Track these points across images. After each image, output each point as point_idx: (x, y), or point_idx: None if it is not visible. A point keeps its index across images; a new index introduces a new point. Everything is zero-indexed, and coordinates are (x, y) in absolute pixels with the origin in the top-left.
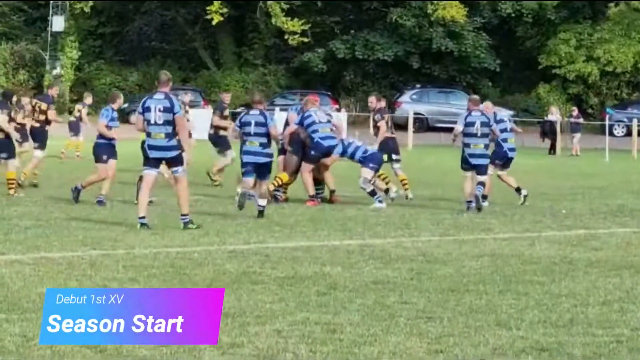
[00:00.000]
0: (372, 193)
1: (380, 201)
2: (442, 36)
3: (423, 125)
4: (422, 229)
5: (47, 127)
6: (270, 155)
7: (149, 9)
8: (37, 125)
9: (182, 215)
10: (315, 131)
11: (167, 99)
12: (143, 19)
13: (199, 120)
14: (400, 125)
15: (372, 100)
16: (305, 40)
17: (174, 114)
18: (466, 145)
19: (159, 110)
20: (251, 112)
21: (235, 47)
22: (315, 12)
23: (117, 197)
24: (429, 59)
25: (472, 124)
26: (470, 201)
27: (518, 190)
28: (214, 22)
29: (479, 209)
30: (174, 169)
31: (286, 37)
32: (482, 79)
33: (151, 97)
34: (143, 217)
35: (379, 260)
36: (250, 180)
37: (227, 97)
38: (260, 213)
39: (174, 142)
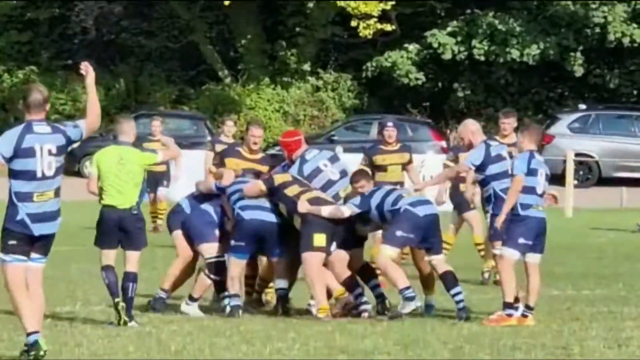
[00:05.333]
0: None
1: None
2: (625, 20)
3: (592, 174)
4: (592, 355)
5: None
6: None
7: None
8: None
9: None
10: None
11: None
12: None
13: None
14: (552, 174)
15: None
16: (388, 29)
17: None
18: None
19: None
20: None
21: (264, 41)
22: None
23: None
24: (601, 59)
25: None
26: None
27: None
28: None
29: None
30: None
31: (354, 24)
32: None
33: None
34: None
35: None
36: None
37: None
38: None
39: None
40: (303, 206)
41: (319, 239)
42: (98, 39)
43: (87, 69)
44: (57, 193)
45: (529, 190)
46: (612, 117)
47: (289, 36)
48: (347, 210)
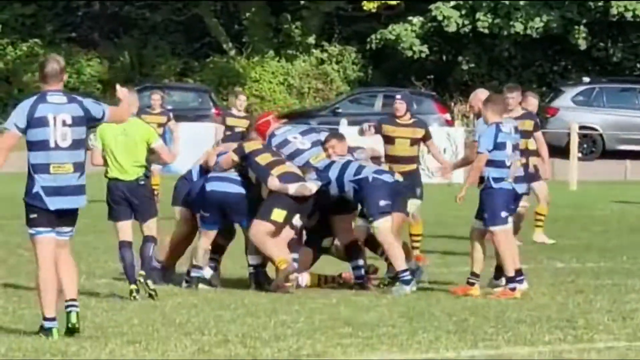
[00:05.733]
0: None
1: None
2: None
3: (596, 146)
4: (597, 328)
5: None
6: None
7: None
8: None
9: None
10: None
11: None
12: None
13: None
14: (556, 147)
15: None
16: (392, 2)
17: None
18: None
19: None
20: None
21: (268, 14)
22: None
23: None
24: (604, 33)
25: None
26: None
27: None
28: None
29: None
30: None
31: None
32: None
33: None
34: None
35: None
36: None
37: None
38: None
39: None
40: (273, 183)
41: (278, 215)
42: (102, 11)
43: (120, 93)
44: (77, 167)
45: (499, 164)
46: (615, 90)
47: (293, 9)
48: (314, 186)
